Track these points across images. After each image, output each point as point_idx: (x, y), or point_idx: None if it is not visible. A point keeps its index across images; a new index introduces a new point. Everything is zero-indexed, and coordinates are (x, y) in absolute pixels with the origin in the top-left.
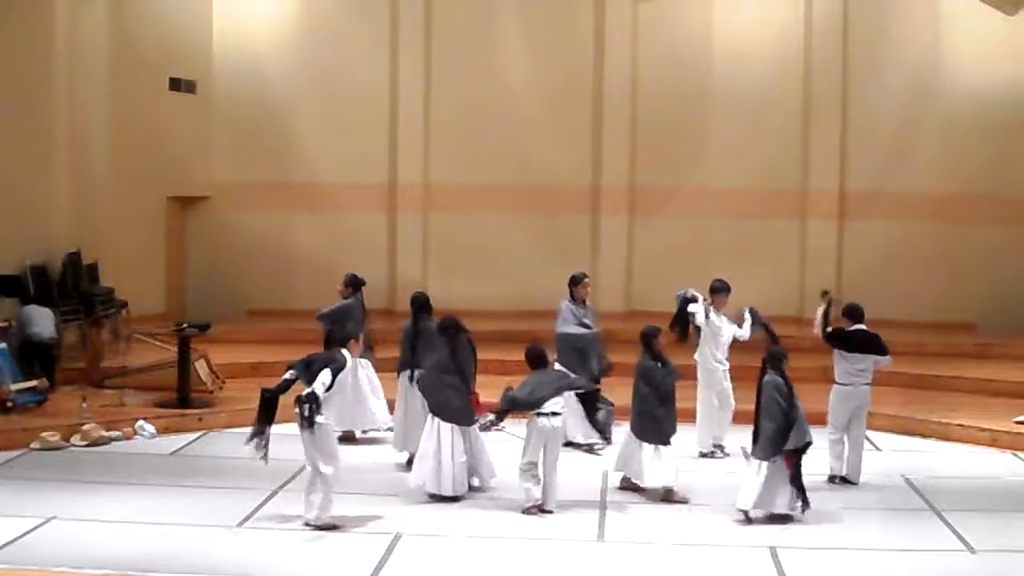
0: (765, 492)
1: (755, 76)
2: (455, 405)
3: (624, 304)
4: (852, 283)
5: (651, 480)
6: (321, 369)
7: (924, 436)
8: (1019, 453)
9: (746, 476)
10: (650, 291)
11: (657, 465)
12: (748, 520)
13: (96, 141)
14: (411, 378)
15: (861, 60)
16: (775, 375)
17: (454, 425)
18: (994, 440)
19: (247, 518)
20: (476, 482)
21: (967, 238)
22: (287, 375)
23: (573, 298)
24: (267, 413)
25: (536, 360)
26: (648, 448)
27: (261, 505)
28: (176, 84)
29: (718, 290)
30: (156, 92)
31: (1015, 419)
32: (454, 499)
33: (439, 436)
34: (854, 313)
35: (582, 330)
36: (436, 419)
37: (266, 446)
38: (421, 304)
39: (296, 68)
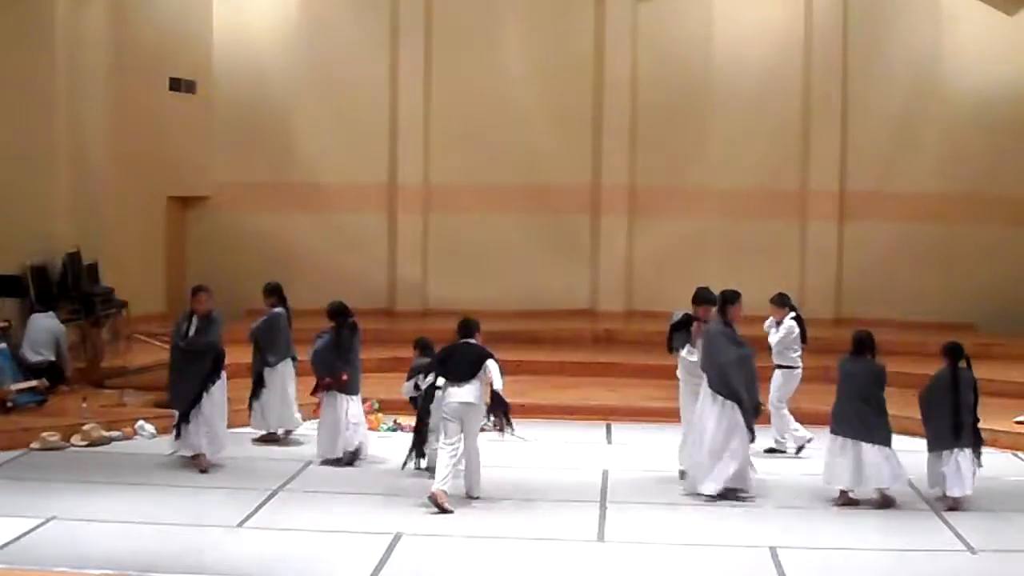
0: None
1: (755, 76)
2: (347, 379)
3: (624, 304)
4: (852, 283)
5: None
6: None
7: (924, 436)
8: (1019, 453)
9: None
10: (650, 291)
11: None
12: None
13: (96, 141)
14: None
15: (861, 60)
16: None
17: (344, 395)
18: (994, 440)
19: (247, 518)
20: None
21: (967, 238)
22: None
23: (726, 322)
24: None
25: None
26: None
27: (261, 505)
28: (176, 84)
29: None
30: (156, 92)
31: (1015, 419)
32: (341, 461)
33: (336, 407)
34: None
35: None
36: (330, 393)
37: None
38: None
39: (296, 68)
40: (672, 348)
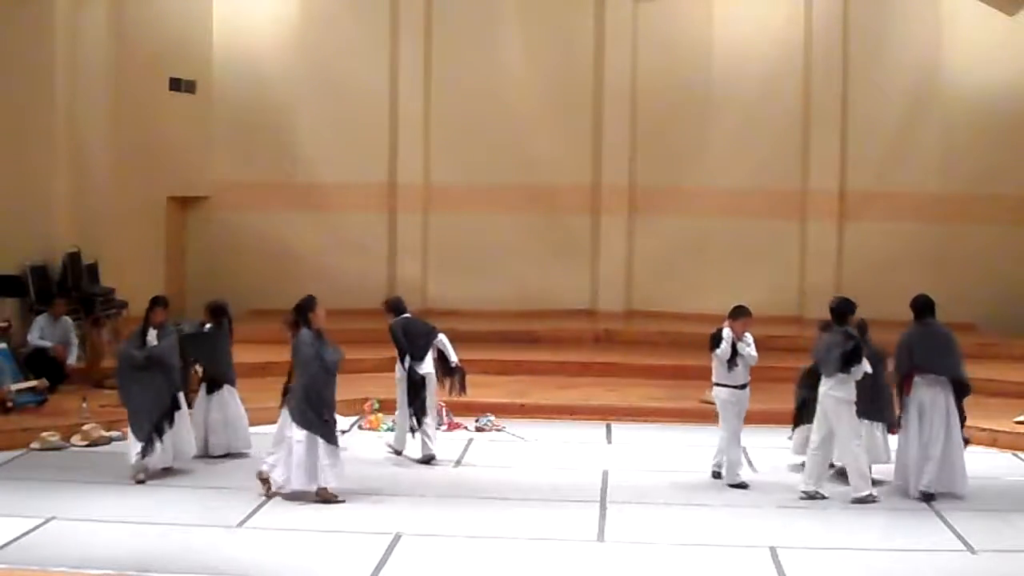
0: None
1: (755, 76)
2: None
3: (624, 304)
4: (852, 283)
5: None
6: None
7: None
8: (1019, 453)
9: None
10: (650, 291)
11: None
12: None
13: (96, 141)
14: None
15: (861, 60)
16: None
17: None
18: (994, 440)
19: (247, 518)
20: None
21: (967, 238)
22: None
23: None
24: None
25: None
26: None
27: (261, 505)
28: (176, 84)
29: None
30: (156, 92)
31: (1015, 419)
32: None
33: (230, 402)
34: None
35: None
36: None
37: None
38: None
39: (296, 68)
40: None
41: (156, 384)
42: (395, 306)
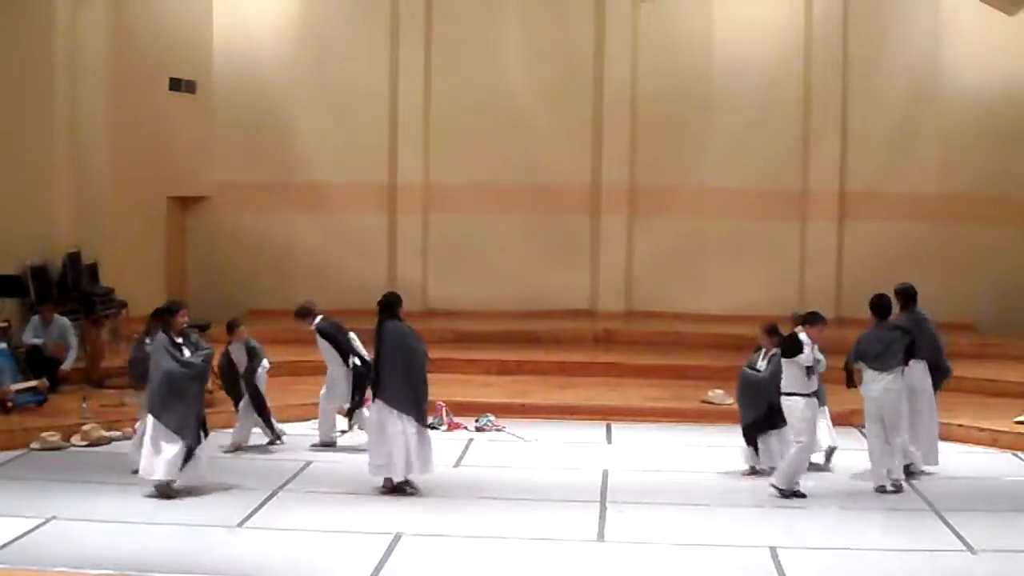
0: None
1: (755, 76)
2: None
3: (624, 304)
4: (852, 283)
5: None
6: None
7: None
8: (1019, 453)
9: None
10: (650, 291)
11: None
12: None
13: (96, 141)
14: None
15: (861, 60)
16: None
17: None
18: (994, 440)
19: (247, 518)
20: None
21: (967, 238)
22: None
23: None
24: None
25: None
26: None
27: (261, 505)
28: (176, 84)
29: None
30: (156, 92)
31: (1015, 419)
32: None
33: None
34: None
35: None
36: None
37: None
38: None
39: (296, 68)
40: None
41: (198, 392)
42: (307, 311)
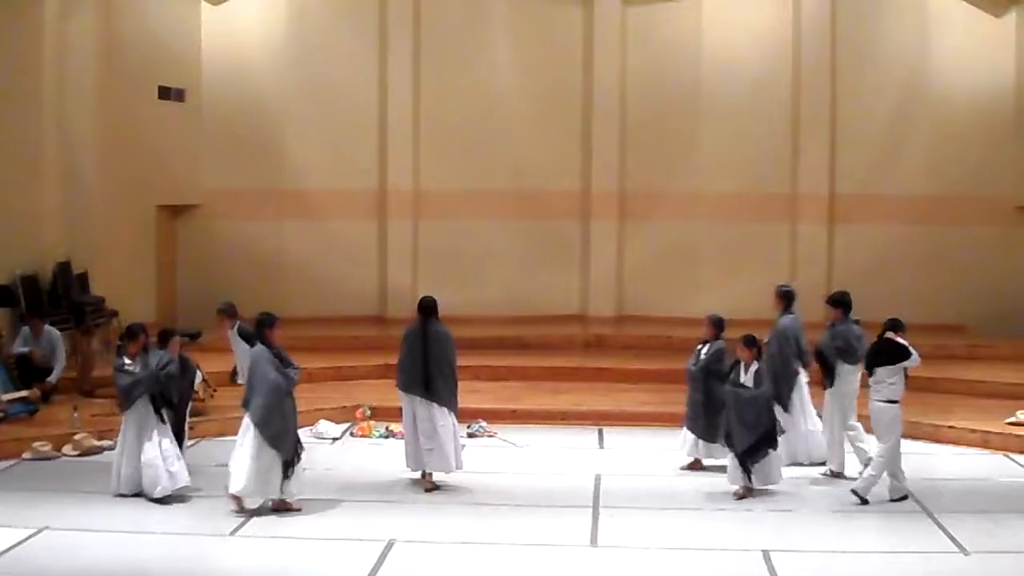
0: None
1: (744, 80)
2: None
3: (615, 309)
4: (843, 286)
5: None
6: None
7: (916, 438)
8: (1011, 454)
9: None
10: (641, 295)
11: None
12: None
13: (85, 150)
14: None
15: (850, 64)
16: None
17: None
18: (986, 441)
19: (239, 527)
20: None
21: (957, 240)
22: None
23: None
24: None
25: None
26: None
27: (253, 514)
28: (165, 92)
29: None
30: (145, 100)
31: (1007, 420)
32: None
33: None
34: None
35: None
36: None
37: None
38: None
39: (285, 76)
40: None
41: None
42: (233, 311)
